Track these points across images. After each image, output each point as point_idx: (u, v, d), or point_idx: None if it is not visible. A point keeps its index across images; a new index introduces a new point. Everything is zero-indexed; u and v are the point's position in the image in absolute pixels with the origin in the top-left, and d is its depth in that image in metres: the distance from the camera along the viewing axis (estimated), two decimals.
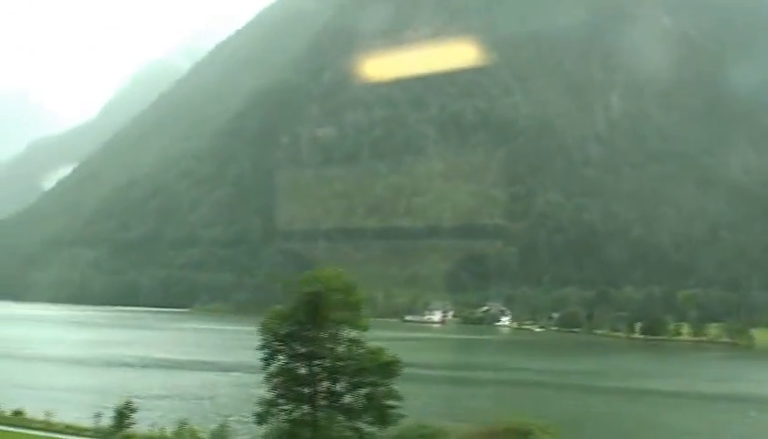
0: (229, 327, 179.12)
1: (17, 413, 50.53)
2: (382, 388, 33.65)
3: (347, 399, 34.03)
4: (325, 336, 34.52)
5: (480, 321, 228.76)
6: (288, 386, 34.19)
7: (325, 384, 34.18)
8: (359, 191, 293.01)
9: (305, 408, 33.92)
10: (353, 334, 34.63)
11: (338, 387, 34.11)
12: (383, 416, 33.47)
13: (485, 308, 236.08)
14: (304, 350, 34.46)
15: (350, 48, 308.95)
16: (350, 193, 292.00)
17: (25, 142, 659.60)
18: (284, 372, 34.48)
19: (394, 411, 33.56)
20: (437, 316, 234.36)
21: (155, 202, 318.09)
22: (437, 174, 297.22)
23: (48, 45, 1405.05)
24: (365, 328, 34.60)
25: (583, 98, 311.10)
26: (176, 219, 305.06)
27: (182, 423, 47.63)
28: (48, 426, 48.13)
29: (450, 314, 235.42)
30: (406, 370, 34.49)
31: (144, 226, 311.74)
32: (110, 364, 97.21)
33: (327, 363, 34.24)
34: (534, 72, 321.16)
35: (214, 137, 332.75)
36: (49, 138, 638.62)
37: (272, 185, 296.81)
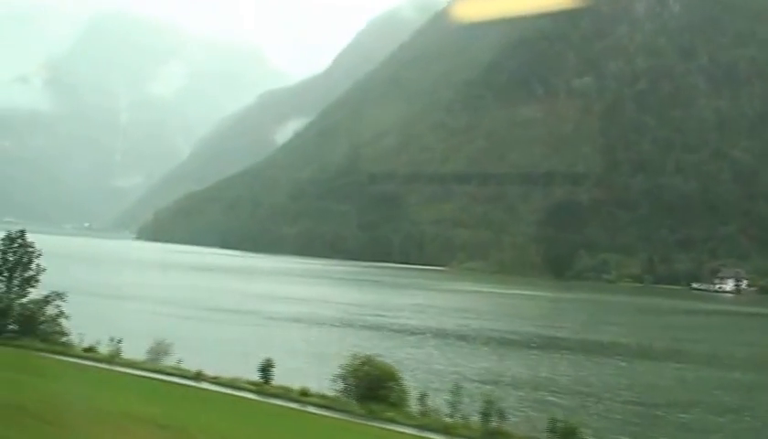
0: (517, 292, 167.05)
1: None
2: None
3: None
4: None
5: None
6: None
7: None
8: (624, 146, 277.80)
9: None
10: None
11: None
12: None
13: None
14: None
15: None
16: (614, 148, 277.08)
17: (255, 96, 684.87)
18: None
19: None
20: (729, 285, 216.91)
21: (405, 156, 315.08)
22: (710, 128, 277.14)
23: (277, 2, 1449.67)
24: None
25: None
26: (429, 173, 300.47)
27: None
28: None
29: (744, 282, 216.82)
30: None
31: (394, 180, 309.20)
32: (496, 341, 78.02)
33: None
34: None
35: (464, 89, 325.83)
36: (279, 91, 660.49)
37: (526, 138, 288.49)
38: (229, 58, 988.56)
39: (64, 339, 49.82)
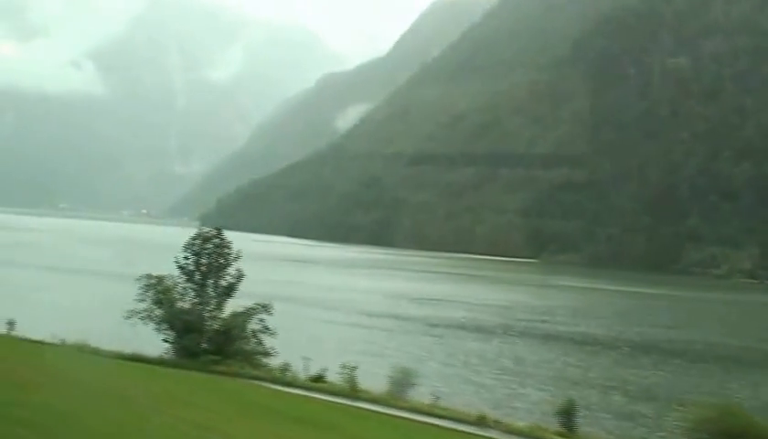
0: (646, 290, 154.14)
1: None
2: None
3: None
4: None
5: None
6: None
7: None
8: (725, 132, 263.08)
9: None
10: None
11: None
12: None
13: None
14: None
15: None
16: (715, 133, 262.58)
17: (313, 80, 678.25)
18: None
19: None
20: None
21: (485, 141, 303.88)
22: None
23: None
24: None
25: None
26: (511, 159, 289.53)
27: None
28: None
29: None
30: None
31: (475, 167, 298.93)
32: (720, 358, 67.62)
33: None
34: None
35: (547, 70, 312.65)
36: (338, 75, 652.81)
37: (618, 121, 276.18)
38: (285, 41, 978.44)
39: (276, 365, 40.56)
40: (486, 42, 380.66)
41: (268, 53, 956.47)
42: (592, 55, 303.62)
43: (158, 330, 41.33)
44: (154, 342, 41.62)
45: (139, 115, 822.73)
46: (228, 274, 42.26)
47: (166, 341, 41.59)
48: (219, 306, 42.21)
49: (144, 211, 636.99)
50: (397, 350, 56.04)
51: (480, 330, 75.86)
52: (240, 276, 42.10)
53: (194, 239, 42.63)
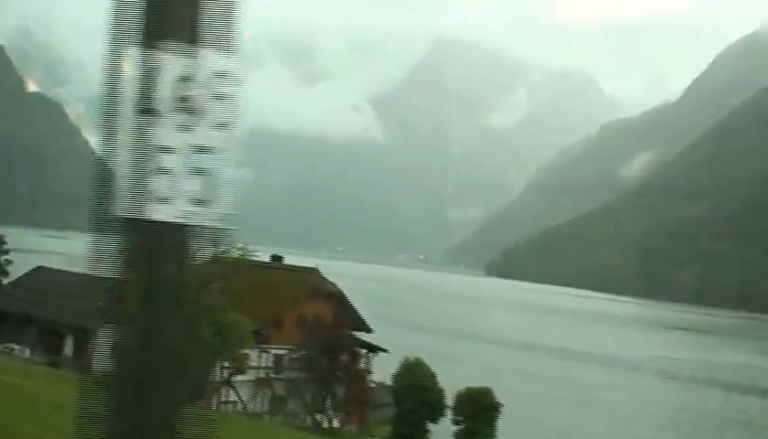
0: None
1: None
2: None
3: None
4: None
5: None
6: None
7: None
8: None
9: None
10: None
11: None
12: None
13: None
14: None
15: None
16: None
17: (590, 127, 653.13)
18: None
19: None
20: None
21: None
22: None
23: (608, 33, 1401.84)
24: None
25: None
26: None
27: None
28: None
29: None
30: None
31: None
32: None
33: None
34: None
35: None
36: (621, 121, 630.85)
37: None
38: (564, 87, 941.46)
39: None
40: None
41: (546, 99, 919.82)
42: None
43: None
44: None
45: (415, 160, 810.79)
46: None
47: None
48: None
49: (421, 257, 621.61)
50: None
51: None
52: None
53: None
